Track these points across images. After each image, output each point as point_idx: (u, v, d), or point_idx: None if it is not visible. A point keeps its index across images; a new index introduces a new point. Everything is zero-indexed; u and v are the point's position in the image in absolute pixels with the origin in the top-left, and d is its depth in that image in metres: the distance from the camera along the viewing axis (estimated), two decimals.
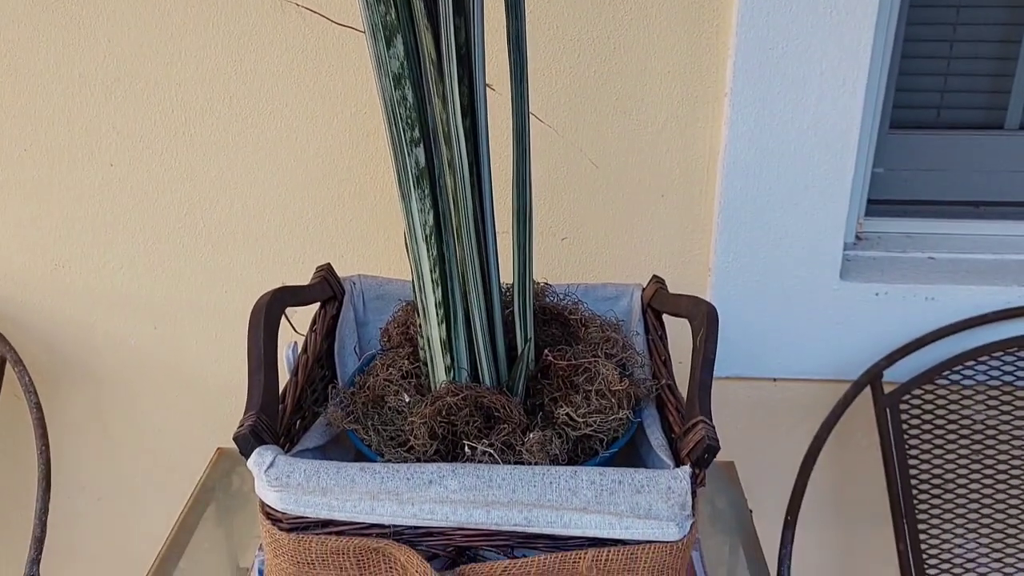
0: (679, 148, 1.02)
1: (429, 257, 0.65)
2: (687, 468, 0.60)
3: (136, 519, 1.22)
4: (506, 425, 0.64)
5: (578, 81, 0.99)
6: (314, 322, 0.81)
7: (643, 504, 0.60)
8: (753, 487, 1.01)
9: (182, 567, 0.88)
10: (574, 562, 0.61)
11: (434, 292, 0.66)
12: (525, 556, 0.62)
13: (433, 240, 0.64)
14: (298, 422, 0.72)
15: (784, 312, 1.06)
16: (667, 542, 0.61)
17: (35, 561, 0.90)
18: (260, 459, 0.60)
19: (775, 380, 1.12)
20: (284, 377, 0.71)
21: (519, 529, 0.61)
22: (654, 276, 0.85)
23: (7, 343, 1.05)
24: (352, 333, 0.84)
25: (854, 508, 1.16)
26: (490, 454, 0.61)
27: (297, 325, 0.80)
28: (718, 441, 0.61)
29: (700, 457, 0.61)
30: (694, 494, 0.61)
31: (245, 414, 0.62)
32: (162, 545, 0.90)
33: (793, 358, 1.09)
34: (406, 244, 0.66)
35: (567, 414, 0.65)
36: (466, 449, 0.63)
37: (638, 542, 0.61)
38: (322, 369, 0.79)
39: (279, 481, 0.59)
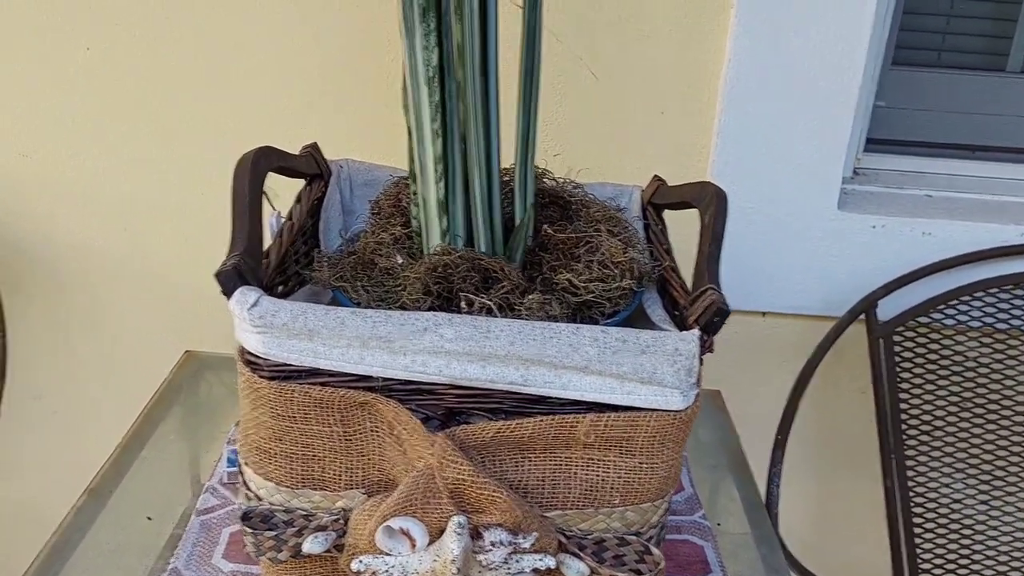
0: (682, 63, 0.99)
1: (430, 104, 0.61)
2: (695, 331, 0.57)
3: (93, 432, 1.16)
4: (505, 284, 0.60)
5: None
6: (299, 198, 0.77)
7: (647, 366, 0.56)
8: (740, 420, 0.98)
9: (144, 456, 0.83)
10: (571, 426, 0.57)
11: (433, 145, 0.62)
12: None
13: (436, 84, 0.60)
14: (280, 287, 0.68)
15: (779, 242, 1.04)
16: (670, 411, 0.58)
17: None
18: (243, 298, 0.55)
19: (764, 314, 1.10)
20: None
21: (515, 388, 0.57)
22: (655, 175, 0.82)
23: None
24: (338, 216, 0.80)
25: (841, 446, 1.14)
26: (488, 307, 0.58)
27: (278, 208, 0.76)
28: (728, 305, 0.58)
29: (710, 321, 0.58)
30: (701, 361, 0.58)
31: (228, 255, 0.58)
32: (123, 437, 0.85)
33: (784, 291, 1.07)
34: (404, 92, 0.63)
35: (568, 279, 0.62)
36: (462, 304, 0.59)
37: (639, 409, 0.58)
38: (305, 245, 0.75)
39: (263, 321, 0.55)
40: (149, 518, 0.74)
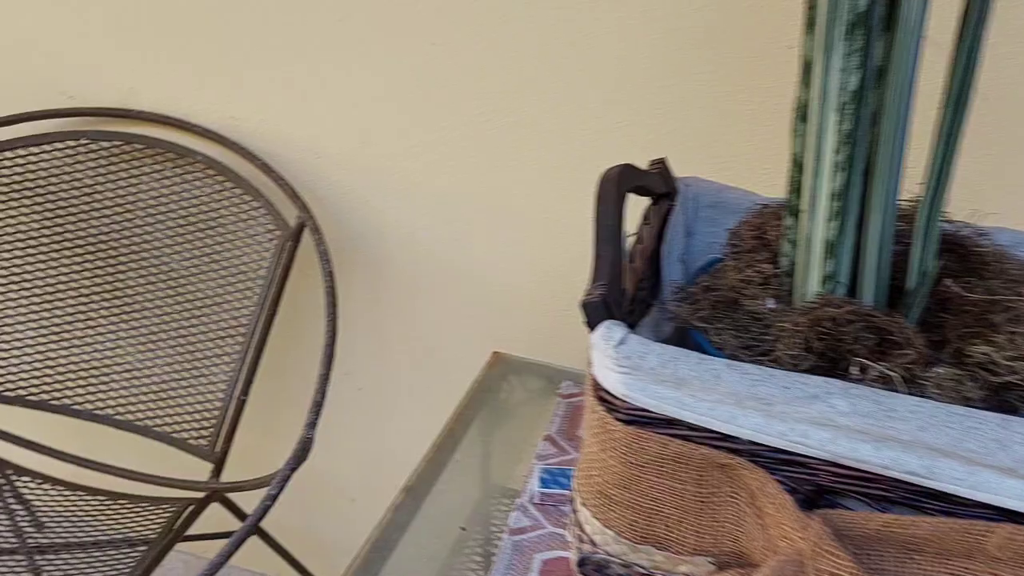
0: None
1: (838, 132, 0.53)
2: None
3: (395, 413, 1.20)
4: (909, 352, 0.51)
5: None
6: (646, 217, 0.72)
7: None
8: None
9: (457, 458, 0.82)
10: (980, 535, 0.47)
11: (833, 178, 0.54)
12: None
13: (849, 111, 0.52)
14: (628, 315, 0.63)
15: None
16: None
17: (311, 425, 0.88)
18: (609, 333, 0.51)
19: None
20: None
21: (912, 479, 0.48)
22: None
23: (308, 211, 1.05)
24: (679, 239, 0.74)
25: None
26: (891, 378, 0.49)
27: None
28: None
29: None
30: None
31: (593, 283, 0.54)
32: (437, 436, 0.85)
33: None
34: (798, 115, 0.55)
35: (986, 354, 0.51)
36: (853, 369, 0.51)
37: None
38: (648, 268, 0.70)
39: (629, 362, 0.50)
40: (463, 528, 0.73)
